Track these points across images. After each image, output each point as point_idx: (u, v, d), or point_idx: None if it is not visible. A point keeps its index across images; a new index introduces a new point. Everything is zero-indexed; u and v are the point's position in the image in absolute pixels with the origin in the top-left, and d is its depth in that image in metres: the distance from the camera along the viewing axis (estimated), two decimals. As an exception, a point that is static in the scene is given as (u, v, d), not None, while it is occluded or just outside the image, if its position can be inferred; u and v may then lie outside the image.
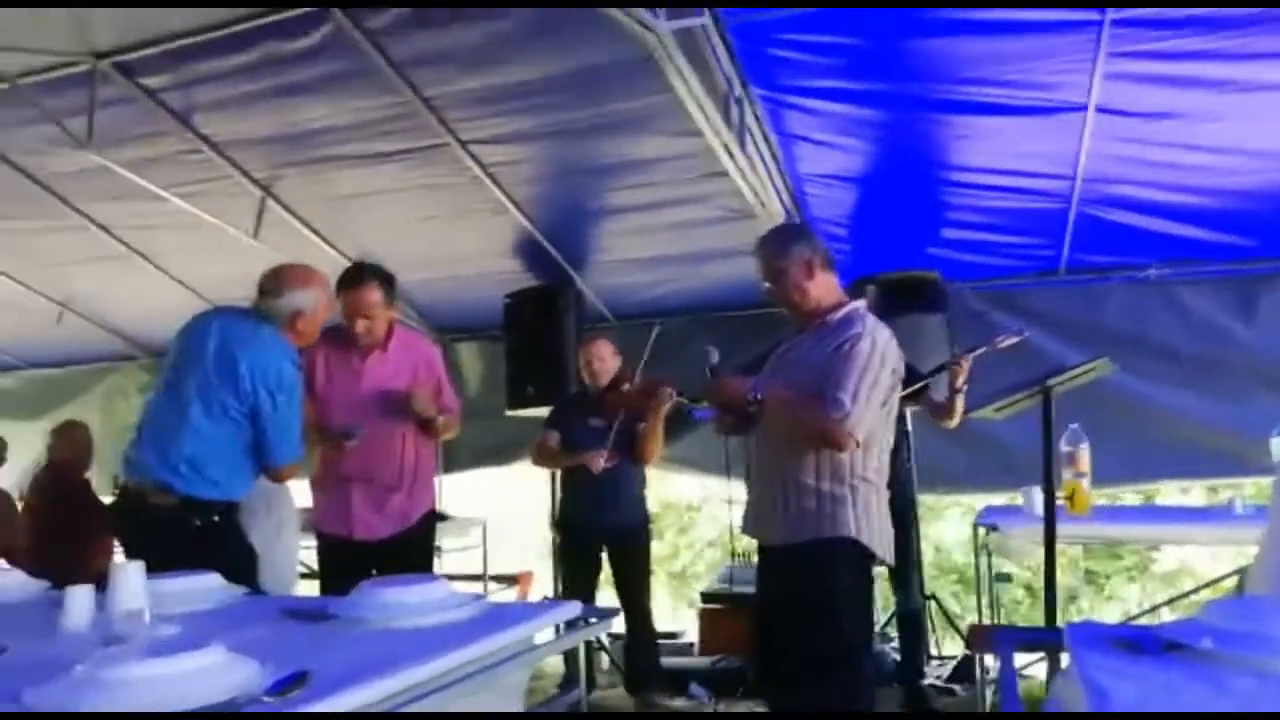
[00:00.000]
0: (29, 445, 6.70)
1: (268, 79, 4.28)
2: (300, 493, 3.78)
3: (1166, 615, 4.96)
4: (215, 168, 4.96)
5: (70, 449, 5.20)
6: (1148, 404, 4.97)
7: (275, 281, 3.01)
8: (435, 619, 1.93)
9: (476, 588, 5.21)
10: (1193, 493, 5.86)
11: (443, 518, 4.66)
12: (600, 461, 4.23)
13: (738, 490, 4.29)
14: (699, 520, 9.66)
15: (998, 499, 4.80)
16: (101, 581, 1.87)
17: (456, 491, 6.30)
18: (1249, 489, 4.84)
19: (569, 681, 4.36)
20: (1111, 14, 3.40)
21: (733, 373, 2.90)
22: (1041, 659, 2.32)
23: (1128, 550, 7.37)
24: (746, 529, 2.91)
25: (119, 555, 3.04)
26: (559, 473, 4.75)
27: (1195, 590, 5.11)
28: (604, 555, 4.43)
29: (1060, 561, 2.98)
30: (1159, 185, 4.48)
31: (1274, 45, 3.48)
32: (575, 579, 4.45)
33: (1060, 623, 2.77)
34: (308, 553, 4.02)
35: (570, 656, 4.12)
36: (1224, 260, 4.97)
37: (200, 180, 5.05)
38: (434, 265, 5.73)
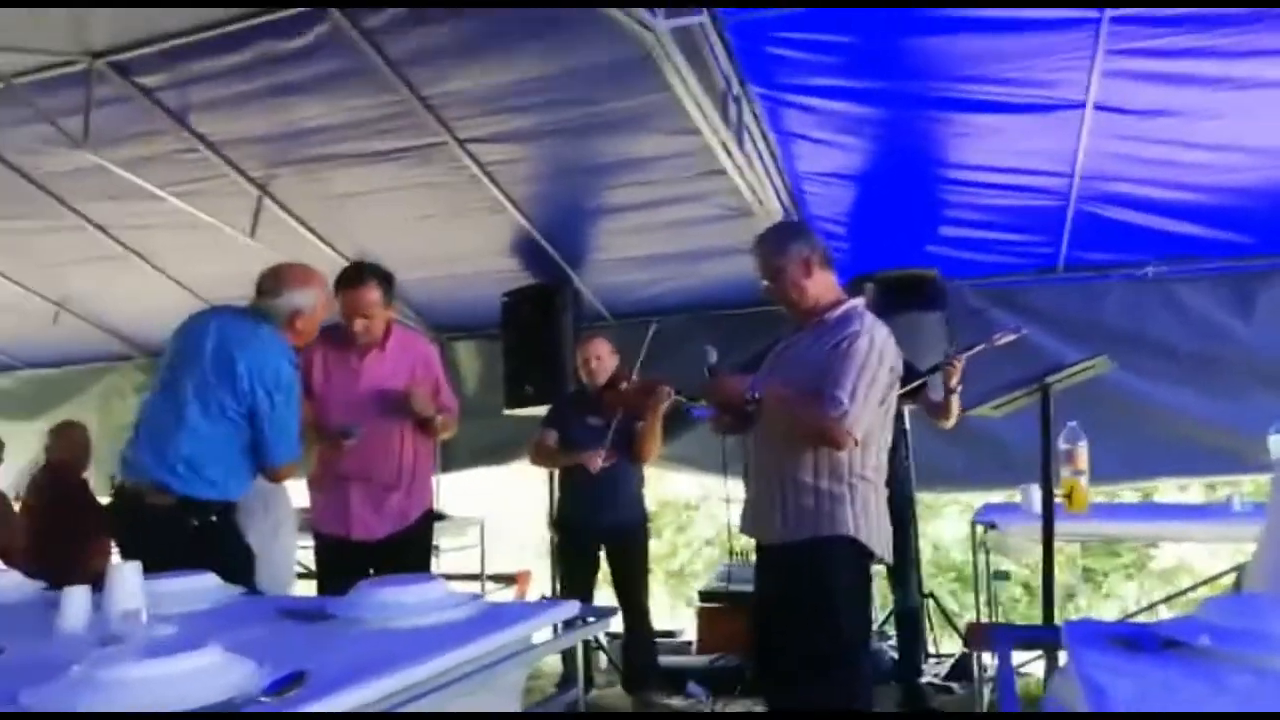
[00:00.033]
0: (26, 445, 6.70)
1: (264, 78, 4.28)
2: (298, 493, 3.78)
3: (1164, 613, 4.96)
4: (211, 167, 4.95)
5: (68, 449, 5.19)
6: (1146, 401, 4.97)
7: (274, 281, 3.00)
8: (433, 619, 1.92)
9: (474, 587, 5.21)
10: (1191, 490, 5.86)
11: (440, 517, 4.66)
12: (598, 461, 4.23)
13: (735, 489, 4.29)
14: (697, 519, 9.66)
15: (996, 497, 4.81)
16: (99, 582, 1.87)
17: (454, 491, 6.30)
18: (1247, 486, 4.85)
19: (567, 681, 4.36)
20: (1110, 12, 3.40)
21: (731, 371, 2.89)
22: (1039, 657, 2.32)
23: (1125, 548, 7.37)
24: (745, 528, 2.90)
25: (116, 556, 3.03)
26: (557, 472, 4.74)
27: (1193, 588, 5.12)
28: (602, 554, 4.43)
29: (1058, 559, 2.99)
30: (1157, 183, 4.48)
31: (1272, 42, 3.48)
32: (573, 578, 4.44)
33: (1058, 620, 2.77)
34: (305, 553, 4.02)
35: (568, 656, 4.12)
36: (1222, 257, 4.97)
37: (197, 179, 5.04)
38: (431, 264, 5.72)
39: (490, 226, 5.39)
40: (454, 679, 1.67)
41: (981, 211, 4.87)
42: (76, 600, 1.88)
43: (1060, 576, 3.40)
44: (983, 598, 4.30)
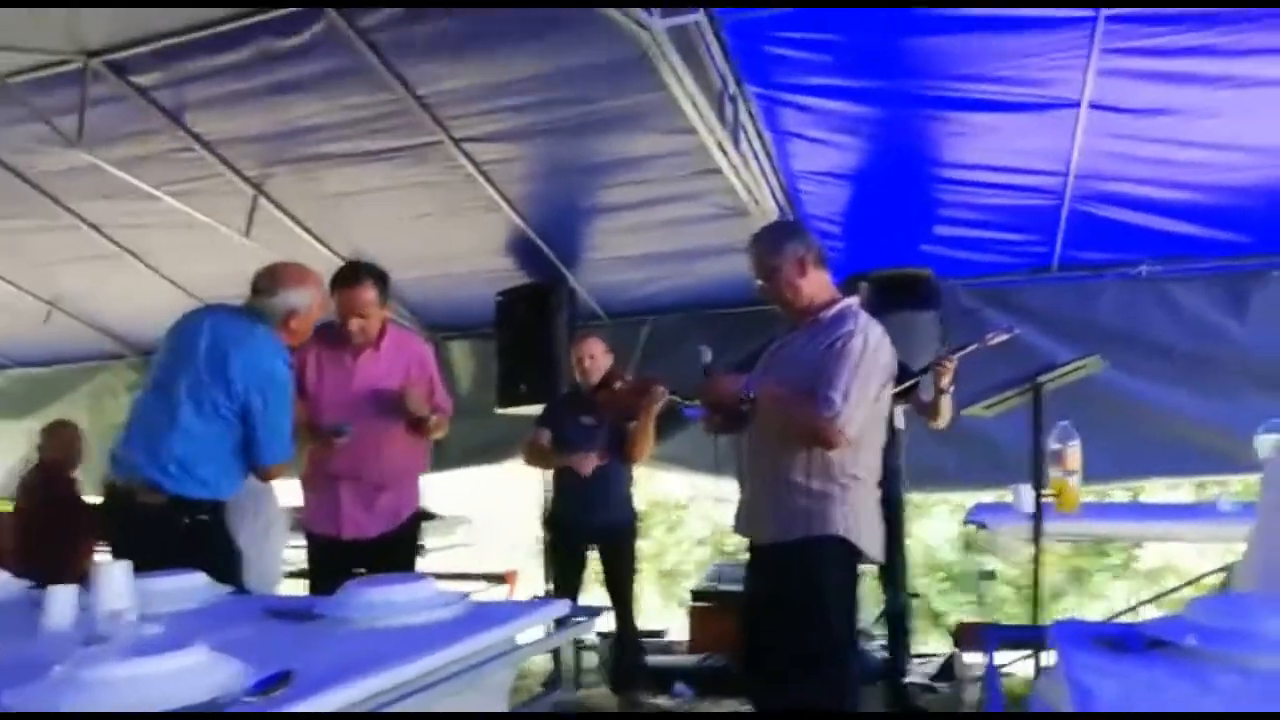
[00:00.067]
0: (15, 444, 6.69)
1: (259, 77, 4.27)
2: (288, 492, 3.77)
3: (1151, 613, 4.96)
4: (206, 166, 4.94)
5: (59, 449, 5.18)
6: (1139, 401, 4.97)
7: (270, 280, 3.00)
8: (421, 618, 1.92)
9: (463, 586, 5.19)
10: (1180, 489, 5.86)
11: (429, 516, 4.66)
12: (588, 466, 4.23)
13: (727, 488, 4.29)
14: (687, 518, 9.65)
15: (987, 497, 4.81)
16: (88, 581, 1.86)
17: (443, 489, 6.28)
18: (1236, 486, 4.85)
19: (554, 680, 4.36)
20: (1105, 10, 3.40)
21: (725, 371, 2.89)
22: (1025, 657, 2.33)
23: (1113, 547, 7.37)
24: (739, 528, 2.90)
25: (107, 555, 3.02)
26: (551, 471, 4.74)
27: (1179, 588, 5.12)
28: (591, 554, 4.43)
29: (1047, 559, 2.99)
30: (1152, 182, 4.49)
31: (1269, 41, 3.48)
32: (562, 577, 4.45)
33: (1046, 620, 2.78)
34: (295, 552, 4.01)
35: (556, 655, 4.12)
36: (1217, 257, 4.97)
37: (191, 179, 5.03)
38: (426, 263, 5.71)
39: (485, 226, 5.38)
40: (441, 678, 1.67)
41: (976, 210, 4.88)
42: (62, 599, 1.88)
43: (1048, 576, 3.40)
44: (971, 597, 4.31)
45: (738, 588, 3.13)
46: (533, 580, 5.43)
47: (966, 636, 3.08)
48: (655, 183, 4.84)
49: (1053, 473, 3.63)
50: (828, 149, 4.51)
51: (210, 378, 2.83)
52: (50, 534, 4.69)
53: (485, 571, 5.72)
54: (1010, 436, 4.43)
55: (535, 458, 4.61)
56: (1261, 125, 4.00)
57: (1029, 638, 1.94)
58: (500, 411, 5.72)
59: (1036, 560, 2.90)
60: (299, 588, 3.89)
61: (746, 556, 2.92)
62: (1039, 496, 3.00)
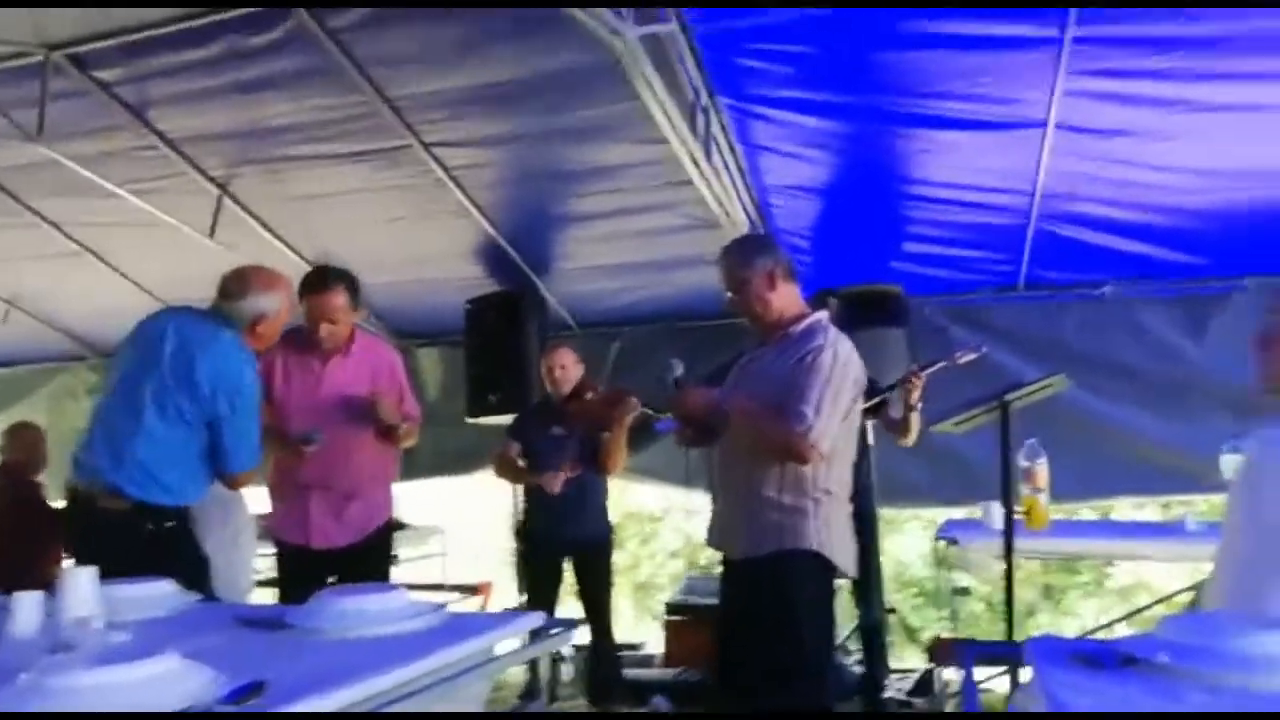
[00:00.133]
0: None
1: (226, 75, 4.20)
2: (256, 500, 3.72)
3: (1124, 630, 5.03)
4: (170, 164, 4.86)
5: (22, 450, 5.07)
6: (1103, 421, 5.05)
7: (239, 284, 2.96)
8: (394, 629, 1.90)
9: (437, 597, 5.15)
10: (1147, 508, 5.95)
11: (400, 526, 4.61)
12: (556, 485, 4.21)
13: (699, 501, 4.30)
14: (661, 531, 9.66)
15: (957, 513, 4.85)
16: (53, 588, 1.82)
17: (413, 499, 6.23)
18: (1202, 505, 4.92)
19: (531, 692, 4.32)
20: (1071, 31, 3.46)
21: (694, 384, 2.90)
22: (1002, 673, 2.35)
23: (1084, 565, 7.47)
24: (711, 541, 2.90)
25: (70, 561, 2.96)
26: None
27: (1150, 606, 5.18)
28: (566, 566, 4.41)
29: (1019, 576, 3.02)
30: (1115, 203, 4.57)
31: (1226, 66, 3.56)
32: (537, 589, 4.41)
33: (1019, 637, 2.80)
34: (263, 560, 3.95)
35: (532, 667, 4.09)
36: (1177, 279, 5.07)
37: (156, 177, 4.95)
38: (395, 268, 5.67)
39: (455, 231, 5.35)
40: (416, 690, 1.65)
41: (944, 228, 4.93)
42: (28, 606, 1.83)
43: (1021, 593, 3.43)
44: (945, 613, 4.34)
45: (712, 601, 3.12)
46: (506, 592, 5.40)
47: (942, 652, 3.11)
48: (627, 192, 4.85)
49: (1023, 490, 3.67)
50: (798, 163, 4.54)
51: (175, 382, 2.79)
52: (13, 538, 4.58)
53: (458, 583, 5.69)
54: (979, 453, 4.48)
55: (505, 472, 4.58)
56: (1214, 149, 4.08)
57: (1005, 654, 1.95)
58: (470, 421, 5.69)
59: (1009, 577, 2.93)
60: (269, 597, 3.83)
61: (720, 570, 2.92)
62: (1009, 513, 3.03)
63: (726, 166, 4.47)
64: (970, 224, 4.88)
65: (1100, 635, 4.81)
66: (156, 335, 2.87)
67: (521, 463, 4.44)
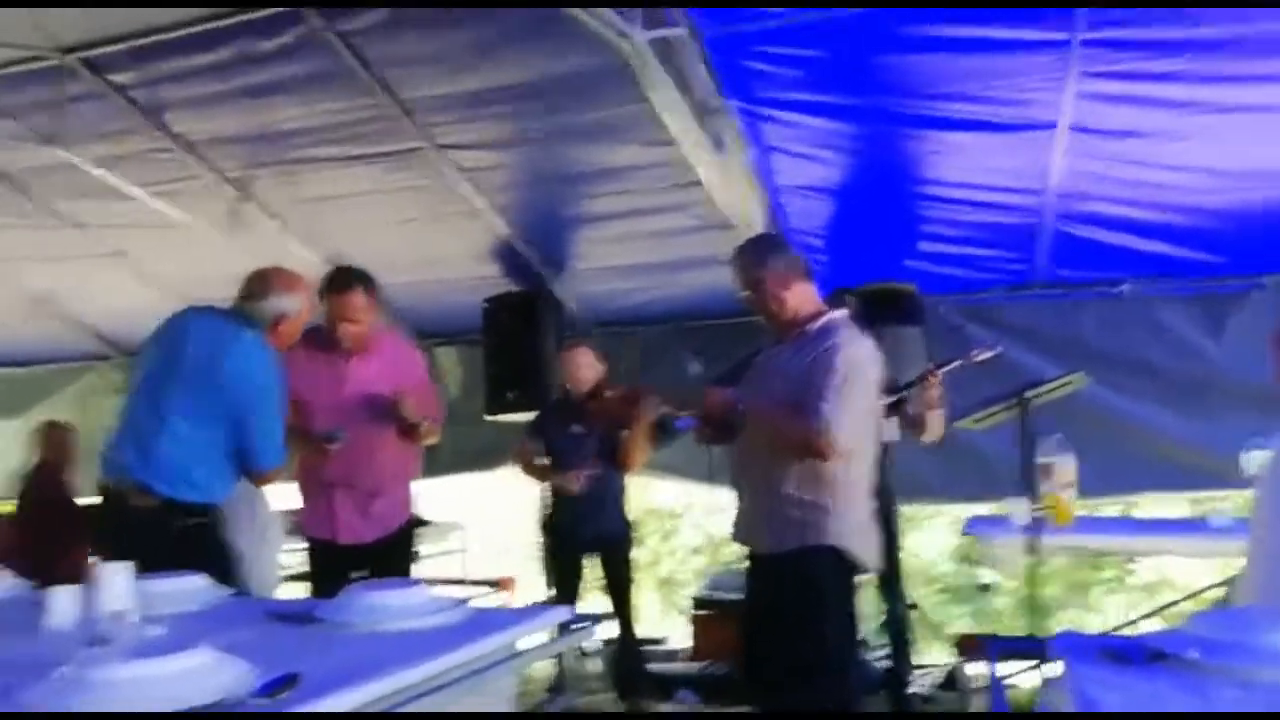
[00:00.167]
0: (2, 446, 6.58)
1: (239, 78, 4.22)
2: (283, 496, 3.74)
3: (1148, 626, 4.99)
4: (187, 167, 4.89)
5: (54, 449, 5.12)
6: (1124, 418, 5.03)
7: (260, 284, 2.98)
8: (423, 623, 1.92)
9: (460, 593, 5.18)
10: (1176, 504, 5.92)
11: (422, 523, 4.64)
12: (574, 484, 4.22)
13: (721, 498, 4.30)
14: (681, 527, 9.67)
15: (979, 509, 4.84)
16: (86, 582, 1.85)
17: (434, 496, 6.26)
18: (1232, 500, 4.88)
19: (559, 686, 4.35)
20: (1080, 34, 3.45)
21: (711, 382, 2.90)
22: (1027, 669, 2.35)
23: (1108, 561, 7.43)
24: (737, 536, 2.91)
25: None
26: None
27: (1178, 601, 5.16)
28: (588, 562, 4.42)
29: (1044, 571, 3.02)
30: (1130, 202, 4.54)
31: (1236, 69, 3.55)
32: (560, 585, 4.44)
33: (1045, 632, 2.80)
34: (290, 555, 3.98)
35: (559, 662, 4.12)
36: (1195, 277, 5.05)
37: (172, 179, 4.97)
38: (411, 268, 5.68)
39: (470, 232, 5.37)
40: (445, 683, 1.67)
41: (958, 227, 4.92)
42: (64, 600, 1.86)
43: (1046, 589, 3.42)
44: (969, 608, 4.33)
45: (738, 596, 3.14)
46: (529, 586, 5.42)
47: (968, 647, 3.10)
48: (638, 193, 4.85)
49: (1043, 486, 3.65)
50: (810, 163, 4.52)
51: (198, 381, 2.81)
52: (44, 535, 4.63)
53: (478, 578, 5.71)
54: (999, 450, 4.47)
55: (528, 471, 4.61)
56: (1227, 150, 4.06)
57: (1031, 649, 1.95)
58: (489, 418, 5.71)
59: (1034, 573, 2.92)
60: (297, 591, 3.87)
61: (746, 565, 2.93)
62: (1033, 509, 3.02)
63: (737, 168, 4.47)
64: (983, 223, 4.86)
65: (1126, 631, 4.78)
66: (179, 335, 2.90)
67: (542, 461, 4.45)
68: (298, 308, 3.03)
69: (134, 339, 6.21)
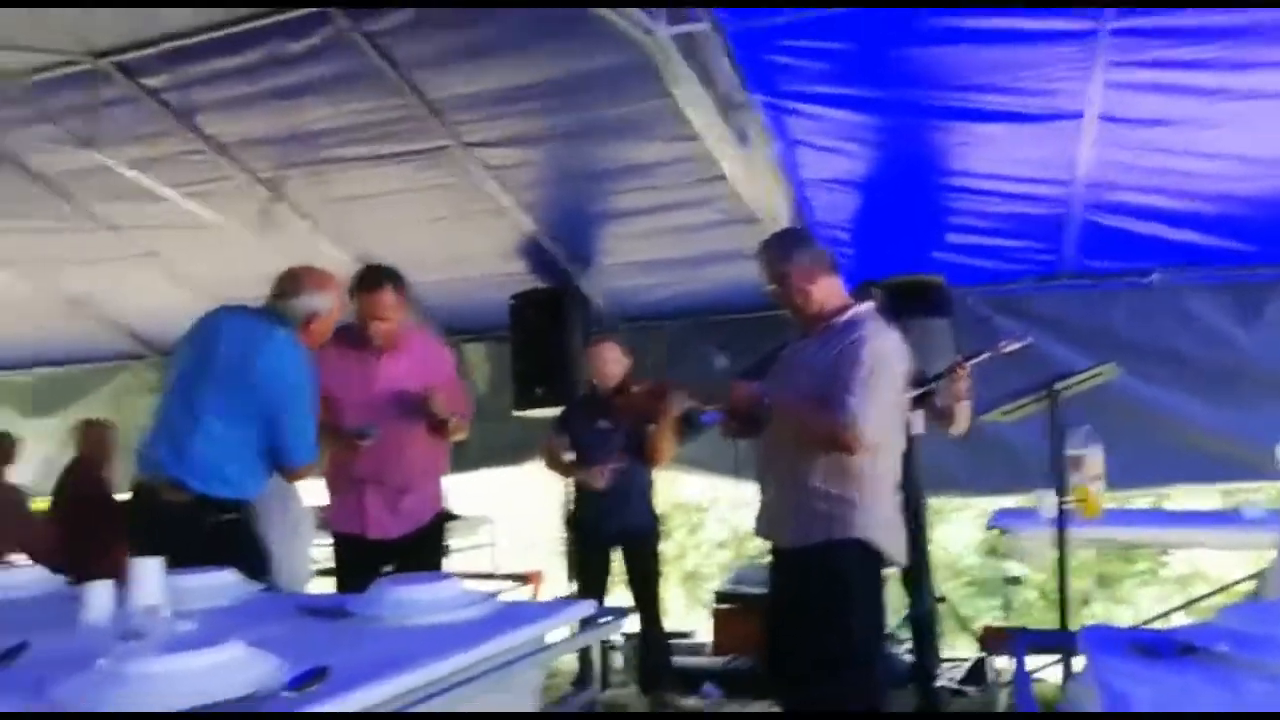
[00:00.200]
0: (38, 443, 6.70)
1: (269, 80, 4.28)
2: (312, 492, 3.78)
3: (1179, 619, 4.95)
4: (219, 168, 4.95)
5: (93, 446, 5.21)
6: (1154, 408, 4.97)
7: (292, 283, 3.01)
8: (451, 617, 1.93)
9: (487, 587, 5.21)
10: (1208, 496, 5.84)
11: (452, 517, 4.67)
12: (600, 480, 4.23)
13: (748, 491, 4.30)
14: (707, 521, 9.69)
15: (1006, 502, 4.81)
16: (122, 578, 1.88)
17: (463, 491, 6.30)
18: (1265, 492, 4.83)
19: (583, 680, 4.36)
20: (1108, 24, 3.41)
21: (736, 377, 2.91)
22: (1055, 662, 2.33)
23: (1140, 554, 7.34)
24: (760, 530, 2.91)
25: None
26: (572, 473, 4.75)
27: (1209, 594, 5.10)
28: (615, 556, 4.44)
29: (1072, 564, 2.99)
30: (1159, 191, 4.49)
31: (1267, 55, 3.50)
32: (587, 579, 4.46)
33: (1073, 626, 2.78)
34: (320, 550, 4.02)
35: (584, 655, 4.13)
36: (1226, 266, 4.98)
37: (204, 180, 5.04)
38: (438, 266, 5.72)
39: (496, 229, 5.40)
40: (473, 676, 1.68)
41: (986, 219, 4.88)
42: (100, 596, 1.89)
43: (1075, 582, 3.38)
44: (996, 601, 4.29)
45: (761, 590, 3.14)
46: (556, 581, 5.45)
47: (993, 641, 3.07)
48: (664, 189, 4.86)
49: (1072, 478, 3.61)
50: (836, 156, 4.50)
51: (232, 380, 2.84)
52: (83, 531, 4.71)
53: (509, 572, 5.74)
54: (1027, 442, 4.45)
55: (554, 465, 4.64)
56: (1259, 137, 4.01)
57: (1058, 643, 1.94)
58: (516, 414, 5.74)
59: (1062, 565, 2.90)
60: (327, 586, 3.91)
61: (769, 559, 2.93)
62: (1061, 502, 3.00)
63: (763, 161, 4.45)
64: (1011, 214, 4.82)
65: (1156, 624, 4.74)
66: (212, 334, 2.93)
67: (569, 456, 4.47)
68: (329, 306, 3.06)
69: (168, 338, 6.31)
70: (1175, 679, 1.42)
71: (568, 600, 2.69)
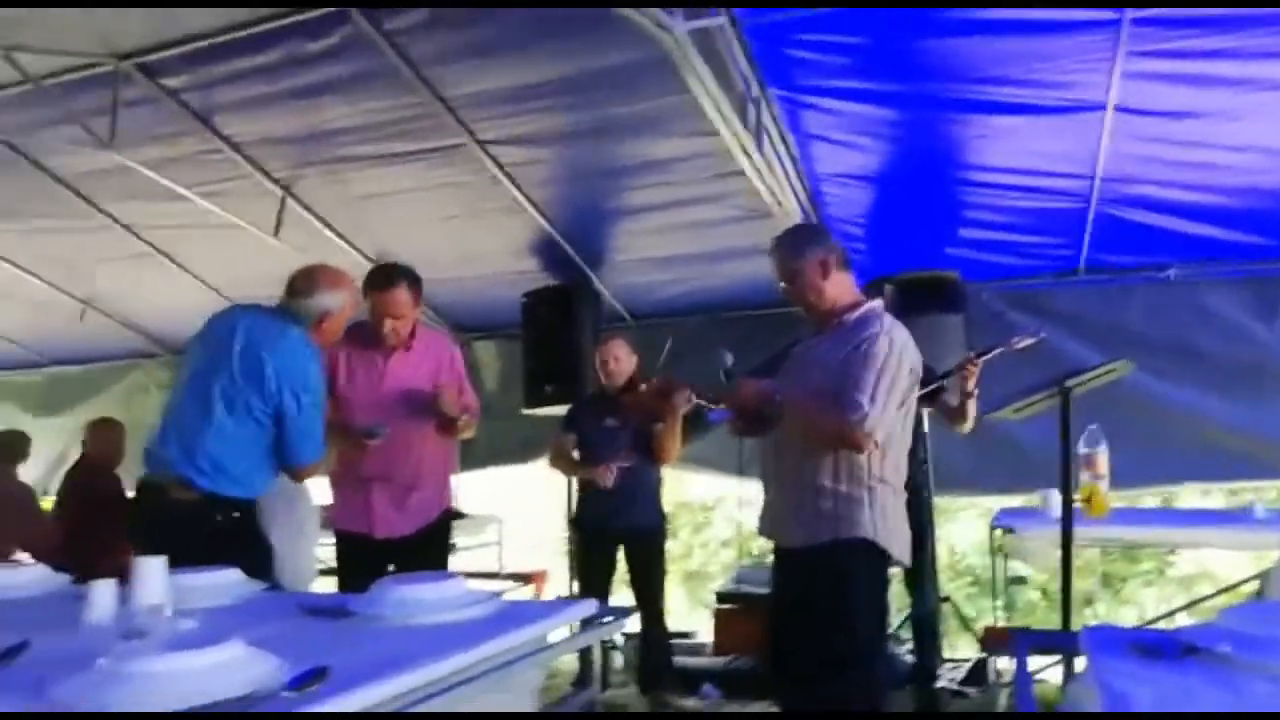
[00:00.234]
0: (50, 442, 6.77)
1: (287, 79, 4.32)
2: (318, 490, 3.80)
3: (1184, 620, 4.92)
4: (236, 167, 5.00)
5: (103, 445, 5.25)
6: (1168, 405, 4.94)
7: (307, 282, 3.02)
8: (452, 616, 1.94)
9: (492, 586, 5.22)
10: (1213, 495, 5.80)
11: (459, 515, 4.69)
12: (608, 477, 4.24)
13: (752, 490, 4.29)
14: (713, 520, 9.69)
15: (1013, 501, 4.78)
16: (125, 577, 1.89)
17: (471, 489, 6.32)
18: (1271, 492, 4.79)
19: (583, 680, 4.36)
20: (1130, 13, 3.38)
21: (746, 374, 2.90)
22: (1057, 663, 2.31)
23: (1145, 554, 7.30)
24: (763, 530, 2.91)
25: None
26: (577, 472, 4.75)
27: (1213, 595, 5.06)
28: (619, 555, 4.44)
29: (1077, 564, 2.97)
30: (1179, 184, 4.45)
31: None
32: (591, 578, 4.45)
33: (1076, 626, 2.76)
34: (325, 549, 4.04)
35: (584, 655, 4.13)
36: (1245, 260, 4.93)
37: (221, 180, 5.09)
38: (452, 264, 5.75)
39: (510, 227, 5.42)
40: (472, 676, 1.68)
41: (1001, 213, 4.85)
42: (104, 594, 1.91)
43: (1079, 582, 3.36)
44: (1000, 602, 4.27)
45: (762, 590, 3.13)
46: (561, 580, 5.45)
47: (994, 641, 3.06)
48: (678, 185, 4.86)
49: (1082, 477, 3.59)
50: (851, 151, 4.49)
51: (244, 379, 2.86)
52: (92, 529, 4.75)
53: (513, 571, 5.75)
54: (1037, 440, 4.41)
55: (560, 464, 4.63)
56: (1280, 128, 3.96)
57: (1060, 643, 1.93)
58: (526, 412, 5.75)
59: (1066, 566, 2.88)
60: (332, 585, 3.93)
61: (772, 559, 2.92)
62: (1068, 501, 2.97)
63: (778, 156, 4.44)
64: (1028, 209, 4.79)
65: (1160, 625, 4.71)
66: (226, 332, 2.95)
67: (576, 454, 4.48)
68: (342, 304, 3.07)
69: (180, 337, 6.38)
70: (1176, 679, 1.41)
71: (569, 600, 2.68)
